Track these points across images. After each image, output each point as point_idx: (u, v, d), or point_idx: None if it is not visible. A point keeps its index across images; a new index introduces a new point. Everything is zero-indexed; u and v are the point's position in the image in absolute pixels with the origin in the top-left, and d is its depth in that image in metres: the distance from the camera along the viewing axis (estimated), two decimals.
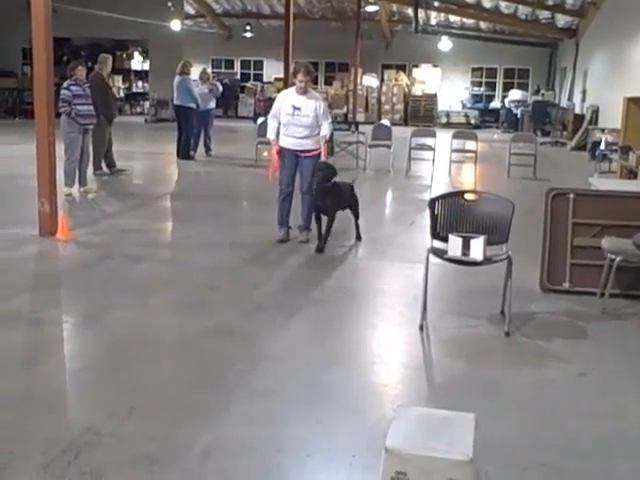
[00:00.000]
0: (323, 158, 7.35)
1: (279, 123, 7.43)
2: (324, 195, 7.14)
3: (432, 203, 5.27)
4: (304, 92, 7.31)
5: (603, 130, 16.14)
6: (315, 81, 30.52)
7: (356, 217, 7.78)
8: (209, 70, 15.25)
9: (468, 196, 5.46)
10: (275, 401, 3.90)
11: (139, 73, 28.64)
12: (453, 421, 3.00)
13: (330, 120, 7.61)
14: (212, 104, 15.08)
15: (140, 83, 28.59)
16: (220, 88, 15.92)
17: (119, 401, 3.87)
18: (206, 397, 3.95)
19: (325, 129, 7.40)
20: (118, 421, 3.65)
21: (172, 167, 14.14)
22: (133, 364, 4.39)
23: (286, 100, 7.40)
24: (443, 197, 5.42)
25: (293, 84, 7.59)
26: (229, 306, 5.49)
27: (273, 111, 7.52)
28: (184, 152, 14.39)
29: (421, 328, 5.05)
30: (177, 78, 14.38)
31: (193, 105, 14.19)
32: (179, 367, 4.38)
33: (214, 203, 9.92)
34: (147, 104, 26.68)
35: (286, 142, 7.44)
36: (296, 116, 7.26)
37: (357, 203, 7.80)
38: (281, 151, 7.44)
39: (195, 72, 15.41)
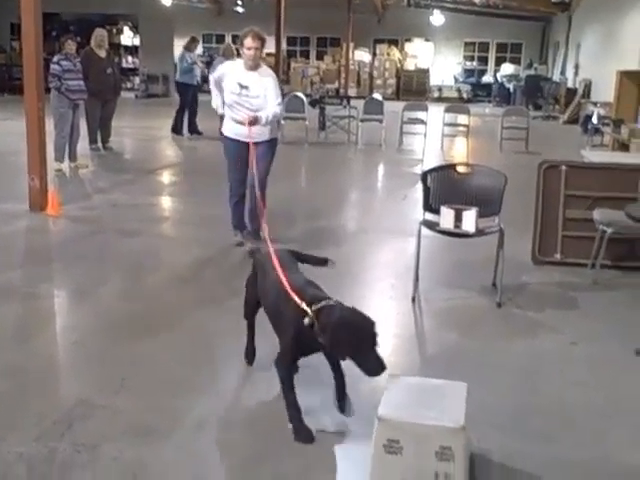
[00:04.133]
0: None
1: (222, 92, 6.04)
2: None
3: (424, 176, 5.25)
4: (254, 66, 5.84)
5: (595, 104, 16.10)
6: (307, 56, 30.44)
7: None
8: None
9: (460, 169, 5.46)
10: (268, 373, 3.90)
11: (129, 48, 28.43)
12: (445, 390, 3.02)
13: (280, 101, 6.00)
14: None
15: (130, 58, 28.39)
16: None
17: (112, 374, 3.87)
18: (200, 369, 3.96)
19: (270, 110, 5.79)
20: (111, 393, 3.65)
21: (166, 142, 14.08)
22: (126, 337, 4.38)
23: (231, 76, 5.91)
24: (435, 170, 5.41)
25: (239, 55, 6.17)
26: (223, 280, 5.48)
27: (215, 75, 6.10)
28: (181, 128, 14.30)
29: (413, 300, 5.07)
30: (180, 53, 14.35)
31: (193, 82, 14.11)
32: (172, 340, 4.38)
33: (208, 177, 9.88)
34: (137, 79, 26.51)
35: (231, 130, 6.01)
36: (243, 96, 5.82)
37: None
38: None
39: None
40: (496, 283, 5.19)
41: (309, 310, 3.13)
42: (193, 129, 14.36)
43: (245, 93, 5.82)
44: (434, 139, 13.54)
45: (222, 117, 6.29)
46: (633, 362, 4.22)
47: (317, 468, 3.06)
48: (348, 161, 12.62)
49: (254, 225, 6.09)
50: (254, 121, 5.74)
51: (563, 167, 6.03)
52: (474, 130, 14.42)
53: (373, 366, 2.94)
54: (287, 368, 3.31)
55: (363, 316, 3.12)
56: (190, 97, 14.07)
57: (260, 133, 5.88)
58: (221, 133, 6.30)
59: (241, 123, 5.80)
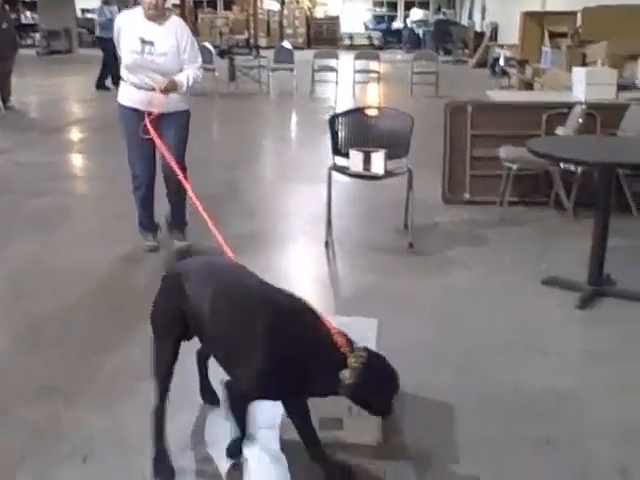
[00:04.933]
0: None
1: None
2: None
3: (332, 120, 5.26)
4: (158, 17, 4.64)
5: (502, 46, 16.37)
6: (214, 6, 29.78)
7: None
8: None
9: (368, 112, 5.48)
10: None
11: (27, 3, 27.22)
12: (355, 325, 3.06)
13: (200, 64, 4.82)
14: None
15: (29, 13, 27.21)
16: None
17: (24, 334, 3.79)
18: (113, 323, 3.92)
19: (191, 72, 4.67)
20: (23, 353, 3.58)
21: (74, 100, 13.63)
22: (37, 297, 4.29)
23: (130, 29, 4.70)
24: (344, 114, 5.43)
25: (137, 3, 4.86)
26: (136, 234, 5.40)
27: (115, 35, 4.85)
28: (104, 83, 13.79)
29: (326, 244, 5.11)
30: (99, 7, 13.82)
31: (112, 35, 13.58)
32: (85, 296, 4.31)
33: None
34: (38, 36, 25.46)
35: (131, 97, 4.75)
36: (147, 55, 4.62)
37: None
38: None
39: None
40: (407, 224, 5.28)
41: (351, 359, 2.34)
42: (117, 82, 13.94)
43: (149, 50, 4.61)
44: (346, 87, 13.54)
45: None
46: (540, 292, 4.38)
47: None
48: (260, 111, 12.50)
49: (177, 219, 5.02)
50: (171, 88, 4.58)
51: (469, 107, 6.13)
52: (385, 76, 14.49)
53: (386, 410, 2.48)
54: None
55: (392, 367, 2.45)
56: (112, 51, 13.60)
57: (173, 102, 4.70)
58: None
59: (146, 89, 4.65)
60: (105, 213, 5.98)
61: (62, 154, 8.65)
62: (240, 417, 2.58)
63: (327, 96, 13.14)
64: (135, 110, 4.70)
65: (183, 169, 4.55)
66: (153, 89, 4.61)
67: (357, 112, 5.46)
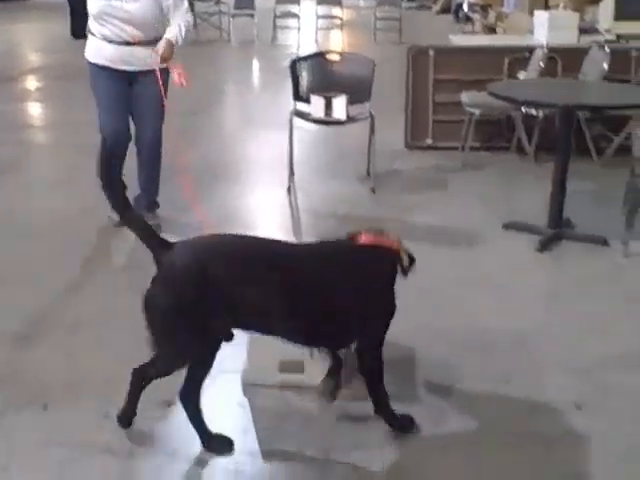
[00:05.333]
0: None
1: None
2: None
3: (294, 64, 5.19)
4: None
5: None
6: None
7: None
8: None
9: (330, 56, 5.41)
10: (139, 271, 3.86)
11: None
12: None
13: (187, 7, 4.31)
14: None
15: None
16: None
17: None
18: (75, 273, 3.88)
19: (178, 26, 4.16)
20: None
21: (32, 48, 13.27)
22: None
23: None
24: (304, 58, 5.36)
25: None
26: (95, 184, 5.30)
27: None
28: (78, 30, 13.25)
29: (289, 191, 5.09)
30: None
31: None
32: (46, 245, 4.23)
33: (81, 81, 9.41)
34: None
35: (103, 54, 4.17)
36: (115, 1, 4.05)
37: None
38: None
39: None
40: (370, 170, 5.26)
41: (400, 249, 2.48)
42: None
43: None
44: (308, 33, 13.36)
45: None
46: (501, 235, 4.42)
47: None
48: (221, 58, 12.32)
49: (149, 194, 4.46)
50: (169, 54, 4.12)
51: (431, 52, 6.08)
52: (349, 23, 14.33)
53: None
54: (380, 354, 2.50)
55: None
56: None
57: (152, 57, 4.12)
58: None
59: (118, 43, 4.12)
60: (64, 163, 5.87)
61: (18, 103, 8.43)
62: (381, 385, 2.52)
63: (289, 43, 12.97)
64: (107, 69, 4.17)
65: (160, 139, 4.32)
66: (128, 42, 4.10)
67: (319, 56, 5.39)
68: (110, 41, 4.11)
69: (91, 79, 4.27)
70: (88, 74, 4.27)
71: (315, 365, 2.79)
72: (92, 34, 4.18)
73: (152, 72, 4.11)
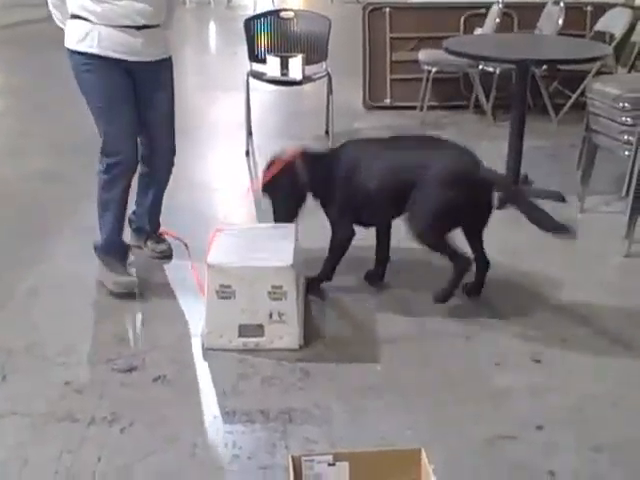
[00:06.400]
0: None
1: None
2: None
3: (248, 23, 5.12)
4: None
5: None
6: None
7: None
8: None
9: (284, 14, 5.33)
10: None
11: None
12: (273, 232, 3.08)
13: None
14: None
15: None
16: None
17: None
18: (30, 240, 3.81)
19: None
20: None
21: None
22: None
23: None
24: (259, 17, 5.28)
25: None
26: (48, 151, 5.21)
27: None
28: None
29: (247, 153, 5.04)
30: None
31: None
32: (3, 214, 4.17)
33: (40, 49, 9.16)
34: None
35: (108, 43, 3.06)
36: None
37: None
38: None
39: None
40: (328, 130, 5.23)
41: None
42: None
43: None
44: None
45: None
46: None
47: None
48: (176, 21, 12.06)
49: (157, 217, 3.64)
50: None
51: (387, 9, 6.02)
52: None
53: None
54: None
55: None
56: None
57: (161, 42, 3.29)
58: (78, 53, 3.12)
59: (129, 27, 3.07)
60: (13, 130, 5.74)
61: None
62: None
63: (245, 4, 12.76)
64: (117, 61, 3.11)
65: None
66: (144, 26, 3.10)
67: (273, 14, 5.31)
68: (118, 25, 3.05)
69: (86, 77, 3.14)
70: (80, 71, 3.15)
71: (275, 327, 2.79)
72: (82, 18, 3.06)
73: (160, 62, 3.28)
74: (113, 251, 3.32)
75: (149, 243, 3.62)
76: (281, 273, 2.76)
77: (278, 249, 2.88)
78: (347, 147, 3.21)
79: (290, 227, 3.10)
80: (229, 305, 2.73)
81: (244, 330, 2.79)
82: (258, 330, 2.79)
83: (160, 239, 3.62)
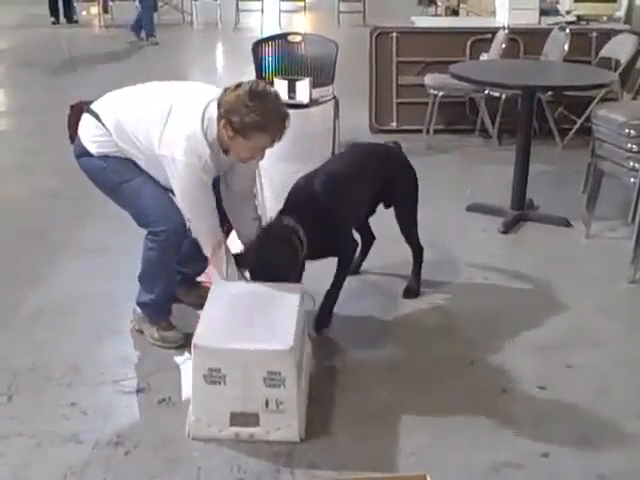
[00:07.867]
0: None
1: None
2: None
3: (256, 46, 5.16)
4: None
5: None
6: None
7: None
8: None
9: (292, 38, 5.38)
10: (104, 257, 3.83)
11: None
12: (275, 295, 2.67)
13: None
14: None
15: None
16: None
17: None
18: (34, 259, 3.82)
19: None
20: None
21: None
22: None
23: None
24: (267, 40, 5.33)
25: None
26: (54, 170, 5.23)
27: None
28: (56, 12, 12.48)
29: None
30: None
31: None
32: (6, 231, 4.18)
33: (47, 67, 9.19)
34: None
35: None
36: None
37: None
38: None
39: None
40: (334, 153, 5.25)
41: None
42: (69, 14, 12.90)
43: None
44: (272, 16, 13.23)
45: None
46: (465, 217, 4.45)
47: None
48: (185, 42, 12.15)
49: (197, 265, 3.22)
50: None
51: (394, 33, 6.06)
52: (313, 6, 14.20)
53: None
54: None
55: None
56: None
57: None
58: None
59: None
60: (21, 148, 5.77)
61: None
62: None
63: (252, 26, 12.84)
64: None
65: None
66: None
67: (281, 38, 5.36)
68: None
69: (109, 175, 2.99)
70: (91, 170, 3.06)
71: (272, 416, 2.43)
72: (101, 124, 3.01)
73: None
74: (165, 312, 3.07)
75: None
76: (279, 358, 2.38)
77: (278, 323, 2.50)
78: (312, 180, 3.34)
79: (296, 288, 2.77)
80: (219, 391, 2.39)
81: (236, 419, 2.43)
82: (252, 419, 2.44)
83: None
